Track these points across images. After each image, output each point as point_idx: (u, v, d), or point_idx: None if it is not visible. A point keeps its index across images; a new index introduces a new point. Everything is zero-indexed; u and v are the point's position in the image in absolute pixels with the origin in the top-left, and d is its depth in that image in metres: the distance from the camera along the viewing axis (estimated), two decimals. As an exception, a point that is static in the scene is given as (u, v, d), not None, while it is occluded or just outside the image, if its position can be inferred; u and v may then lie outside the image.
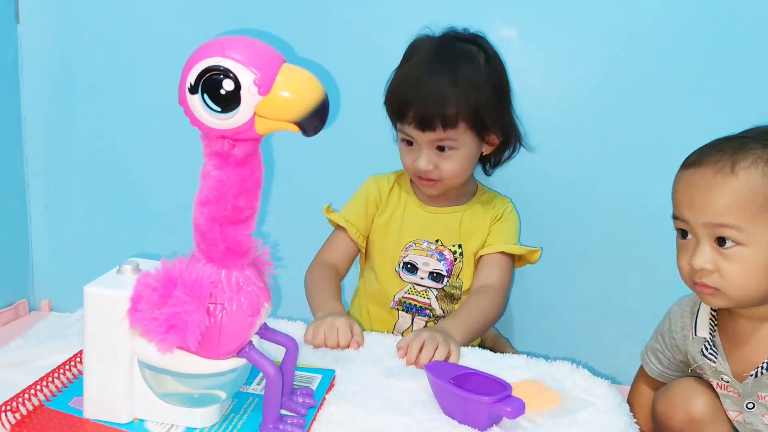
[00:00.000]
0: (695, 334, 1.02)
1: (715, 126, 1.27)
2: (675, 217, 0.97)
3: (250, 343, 0.74)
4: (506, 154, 1.28)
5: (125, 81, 1.47)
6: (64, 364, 0.85)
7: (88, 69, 1.48)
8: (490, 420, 0.81)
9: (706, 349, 1.00)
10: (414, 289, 1.26)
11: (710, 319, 1.01)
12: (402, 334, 1.21)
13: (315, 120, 0.64)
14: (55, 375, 0.82)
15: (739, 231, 0.89)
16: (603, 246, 1.36)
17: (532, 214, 1.34)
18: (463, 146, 1.17)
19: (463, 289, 1.25)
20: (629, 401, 1.15)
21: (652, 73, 1.28)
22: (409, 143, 1.19)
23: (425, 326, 1.26)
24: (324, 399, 0.84)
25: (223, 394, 0.77)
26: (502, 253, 1.23)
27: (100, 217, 1.54)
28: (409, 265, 1.25)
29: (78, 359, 0.87)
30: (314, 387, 0.86)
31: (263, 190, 0.72)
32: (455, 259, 1.24)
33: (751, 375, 0.95)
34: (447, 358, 0.96)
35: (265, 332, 0.79)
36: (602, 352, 1.36)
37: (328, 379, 0.88)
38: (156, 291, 0.70)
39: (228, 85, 0.62)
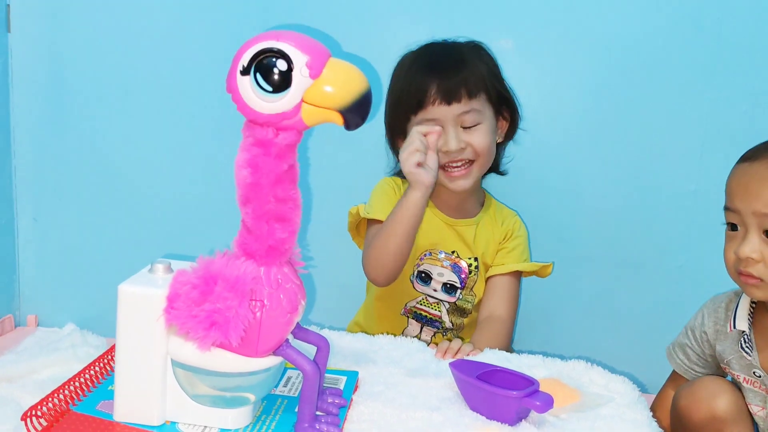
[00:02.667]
0: (734, 327, 1.04)
1: (707, 132, 1.33)
2: (727, 208, 1.00)
3: (287, 341, 0.74)
4: (503, 150, 1.31)
5: (117, 91, 1.45)
6: (86, 368, 0.83)
7: (79, 79, 1.45)
8: (518, 415, 0.82)
9: (744, 341, 1.02)
10: (426, 300, 1.26)
11: (749, 314, 1.04)
12: None
13: (358, 111, 0.65)
14: (80, 379, 0.81)
15: None
16: (601, 251, 1.38)
17: (531, 221, 1.36)
18: (485, 119, 1.19)
19: (476, 302, 1.26)
20: (654, 406, 1.16)
21: (646, 83, 1.32)
22: None
23: (433, 337, 1.27)
24: (352, 399, 0.84)
25: (252, 397, 0.76)
26: (514, 271, 1.23)
27: (90, 230, 1.51)
28: (423, 275, 1.25)
29: (98, 365, 0.85)
30: (341, 388, 0.86)
31: (304, 191, 0.72)
32: (470, 272, 1.25)
33: None
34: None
35: (297, 331, 0.79)
36: (599, 356, 1.38)
37: (353, 380, 0.88)
38: (196, 288, 0.69)
39: (281, 65, 0.63)
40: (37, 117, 1.47)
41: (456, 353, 1.01)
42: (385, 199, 1.24)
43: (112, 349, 0.89)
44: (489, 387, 0.82)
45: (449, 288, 1.25)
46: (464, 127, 1.17)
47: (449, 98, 1.15)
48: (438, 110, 1.16)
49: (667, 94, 1.32)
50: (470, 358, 0.99)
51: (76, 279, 1.53)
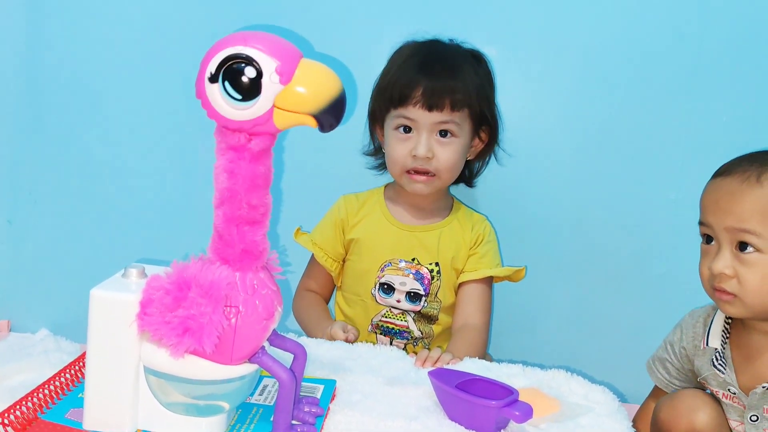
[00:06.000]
0: (707, 344, 1.04)
1: (688, 141, 1.34)
2: (701, 223, 1.01)
3: (263, 348, 0.72)
4: (477, 165, 1.30)
5: (93, 93, 1.43)
6: (57, 375, 0.81)
7: (54, 80, 1.43)
8: (497, 425, 0.81)
9: (716, 359, 1.02)
10: (391, 312, 1.25)
11: (723, 330, 1.04)
12: None
13: (332, 113, 0.64)
14: (50, 386, 0.79)
15: (759, 237, 0.93)
16: (581, 260, 1.38)
17: (510, 229, 1.36)
18: (462, 135, 1.18)
19: (442, 306, 1.25)
20: (636, 418, 1.16)
21: (627, 92, 1.33)
22: (406, 130, 1.17)
23: (404, 348, 1.26)
24: (329, 408, 0.83)
25: (226, 405, 0.74)
26: (486, 277, 1.22)
27: (65, 233, 1.48)
28: (385, 286, 1.24)
29: (69, 371, 0.83)
30: (318, 397, 0.84)
31: (274, 193, 0.71)
32: (432, 278, 1.23)
33: (763, 387, 0.97)
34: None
35: (274, 338, 0.78)
36: (579, 365, 1.37)
37: (330, 388, 0.87)
38: (169, 293, 0.68)
39: (250, 72, 0.62)
40: (12, 118, 1.44)
41: (435, 362, 1.00)
42: (321, 230, 1.27)
43: (84, 355, 0.87)
44: (468, 396, 0.81)
45: (413, 296, 1.23)
46: (439, 136, 1.17)
47: (431, 105, 1.14)
48: (417, 113, 1.15)
49: (648, 103, 1.33)
50: (450, 366, 0.98)
51: (50, 283, 1.50)
